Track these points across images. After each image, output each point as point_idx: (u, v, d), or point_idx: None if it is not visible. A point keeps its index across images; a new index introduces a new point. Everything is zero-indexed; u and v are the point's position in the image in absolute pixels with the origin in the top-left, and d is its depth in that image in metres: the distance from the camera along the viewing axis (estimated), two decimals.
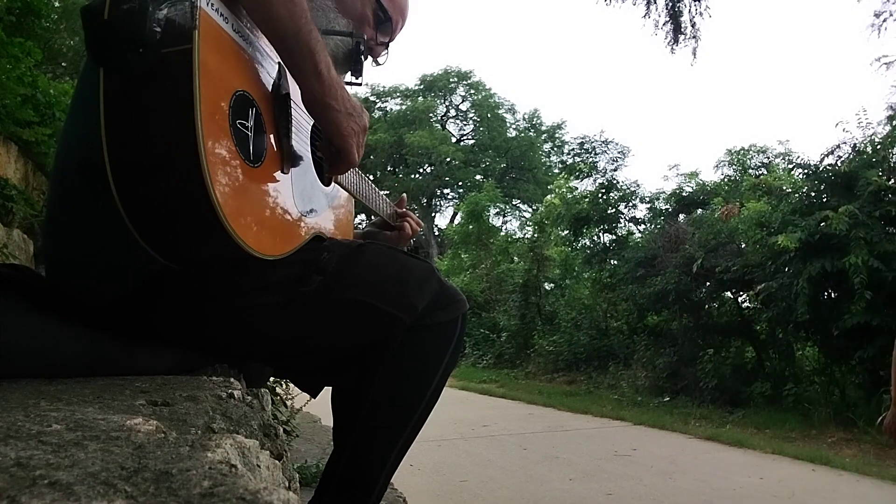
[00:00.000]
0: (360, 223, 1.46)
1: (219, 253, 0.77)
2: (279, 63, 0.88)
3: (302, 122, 0.96)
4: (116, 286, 0.81)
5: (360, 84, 1.12)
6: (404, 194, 1.44)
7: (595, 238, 10.29)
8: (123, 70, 0.70)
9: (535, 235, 12.29)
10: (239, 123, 0.76)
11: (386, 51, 1.19)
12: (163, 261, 0.76)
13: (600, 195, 9.93)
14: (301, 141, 0.95)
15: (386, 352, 0.95)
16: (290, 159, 0.89)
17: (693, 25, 8.15)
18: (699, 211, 8.85)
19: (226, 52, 0.77)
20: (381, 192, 1.32)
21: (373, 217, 1.39)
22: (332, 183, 1.07)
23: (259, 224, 0.79)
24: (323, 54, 0.84)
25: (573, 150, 23.04)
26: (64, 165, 0.86)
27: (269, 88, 0.86)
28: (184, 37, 0.69)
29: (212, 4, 0.74)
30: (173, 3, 0.70)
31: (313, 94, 0.86)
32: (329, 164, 0.97)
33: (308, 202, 0.95)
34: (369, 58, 1.15)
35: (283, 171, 0.87)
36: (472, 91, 26.74)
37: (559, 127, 26.91)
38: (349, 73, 1.10)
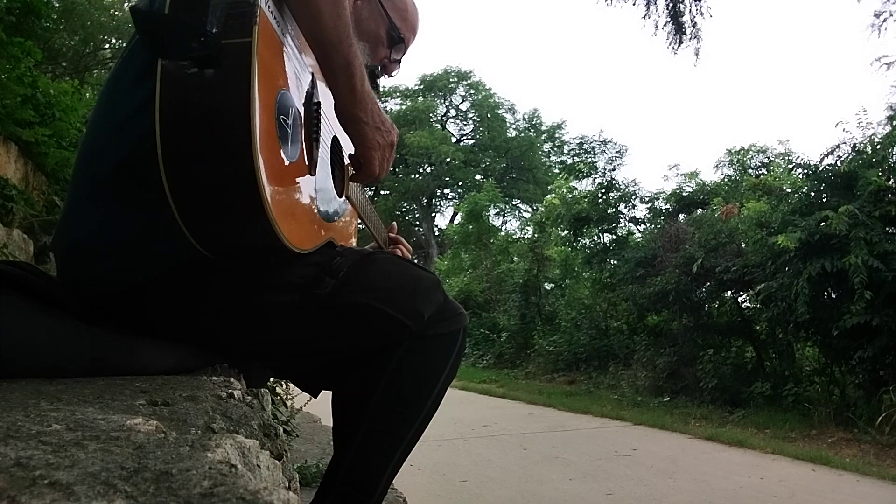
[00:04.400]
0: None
1: (255, 241, 0.79)
2: (312, 74, 0.92)
3: (326, 133, 0.99)
4: (136, 274, 0.81)
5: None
6: (394, 223, 1.48)
7: (595, 238, 10.28)
8: (183, 58, 0.72)
9: (535, 235, 12.28)
10: (282, 119, 0.78)
11: (398, 66, 1.25)
12: (201, 249, 0.77)
13: (600, 195, 9.92)
14: (324, 150, 0.99)
15: (390, 357, 0.97)
16: (315, 164, 0.92)
17: (694, 26, 8.15)
18: (699, 211, 8.83)
19: (276, 53, 0.81)
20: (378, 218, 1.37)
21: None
22: (344, 196, 1.10)
23: (293, 217, 0.82)
24: (359, 68, 0.88)
25: (573, 150, 23.02)
26: (93, 171, 0.86)
27: (303, 96, 0.89)
28: (245, 30, 0.72)
29: (269, 6, 0.77)
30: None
31: (345, 104, 0.90)
32: (353, 173, 1.02)
33: (326, 207, 0.99)
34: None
35: (310, 174, 0.90)
36: (472, 91, 26.74)
37: (559, 127, 26.94)
38: None
